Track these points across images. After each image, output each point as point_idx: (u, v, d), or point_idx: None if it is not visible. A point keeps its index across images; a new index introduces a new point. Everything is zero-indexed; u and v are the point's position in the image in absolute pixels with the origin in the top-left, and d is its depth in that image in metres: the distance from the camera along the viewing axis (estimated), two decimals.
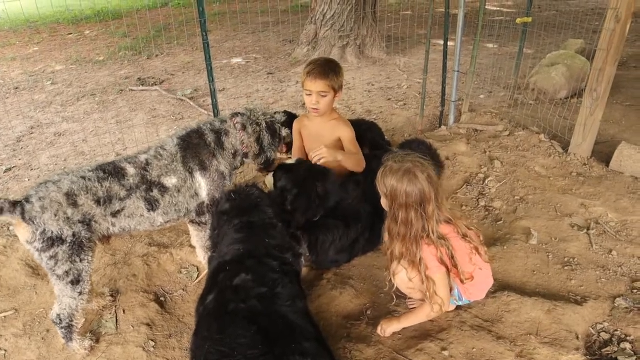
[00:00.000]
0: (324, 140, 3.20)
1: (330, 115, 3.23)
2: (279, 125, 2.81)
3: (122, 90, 6.69)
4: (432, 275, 2.25)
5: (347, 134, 3.19)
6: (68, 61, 8.27)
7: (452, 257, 2.24)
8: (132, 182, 2.38)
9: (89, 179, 2.29)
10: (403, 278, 2.39)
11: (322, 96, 3.08)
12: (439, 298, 2.27)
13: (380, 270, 2.97)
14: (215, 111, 3.73)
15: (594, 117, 3.79)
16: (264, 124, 2.71)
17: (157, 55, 8.30)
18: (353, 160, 3.12)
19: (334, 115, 3.26)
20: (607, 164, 3.95)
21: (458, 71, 4.61)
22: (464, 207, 3.59)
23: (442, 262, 2.24)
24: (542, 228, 3.24)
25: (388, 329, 2.42)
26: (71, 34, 10.10)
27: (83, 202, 2.24)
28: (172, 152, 2.52)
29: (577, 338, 2.48)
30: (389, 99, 6.04)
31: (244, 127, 2.70)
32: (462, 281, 2.33)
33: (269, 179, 2.94)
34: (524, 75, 5.59)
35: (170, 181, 2.48)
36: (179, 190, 2.50)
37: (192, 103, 6.06)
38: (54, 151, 4.98)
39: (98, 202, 2.28)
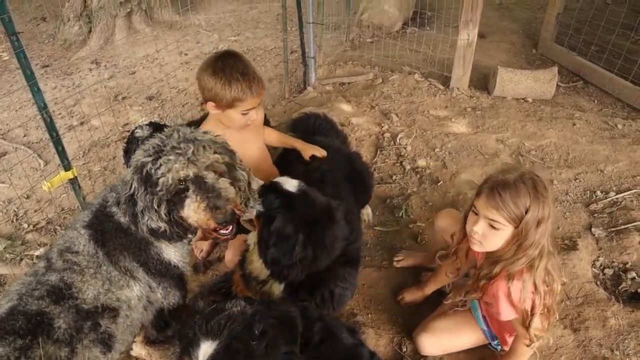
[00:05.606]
0: (253, 147, 2.45)
1: None
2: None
3: None
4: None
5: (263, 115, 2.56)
6: None
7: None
8: (68, 327, 1.39)
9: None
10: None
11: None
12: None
13: (373, 289, 2.46)
14: (63, 158, 2.44)
15: (472, 48, 3.73)
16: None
17: None
18: None
19: None
20: (486, 90, 4.00)
21: (313, 22, 4.03)
22: (394, 177, 3.22)
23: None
24: (483, 176, 3.09)
25: None
26: None
27: None
28: (89, 251, 1.52)
29: (597, 284, 2.44)
30: None
31: (158, 202, 1.47)
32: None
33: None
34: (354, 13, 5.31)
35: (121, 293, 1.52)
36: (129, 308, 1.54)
37: None
38: None
39: None
